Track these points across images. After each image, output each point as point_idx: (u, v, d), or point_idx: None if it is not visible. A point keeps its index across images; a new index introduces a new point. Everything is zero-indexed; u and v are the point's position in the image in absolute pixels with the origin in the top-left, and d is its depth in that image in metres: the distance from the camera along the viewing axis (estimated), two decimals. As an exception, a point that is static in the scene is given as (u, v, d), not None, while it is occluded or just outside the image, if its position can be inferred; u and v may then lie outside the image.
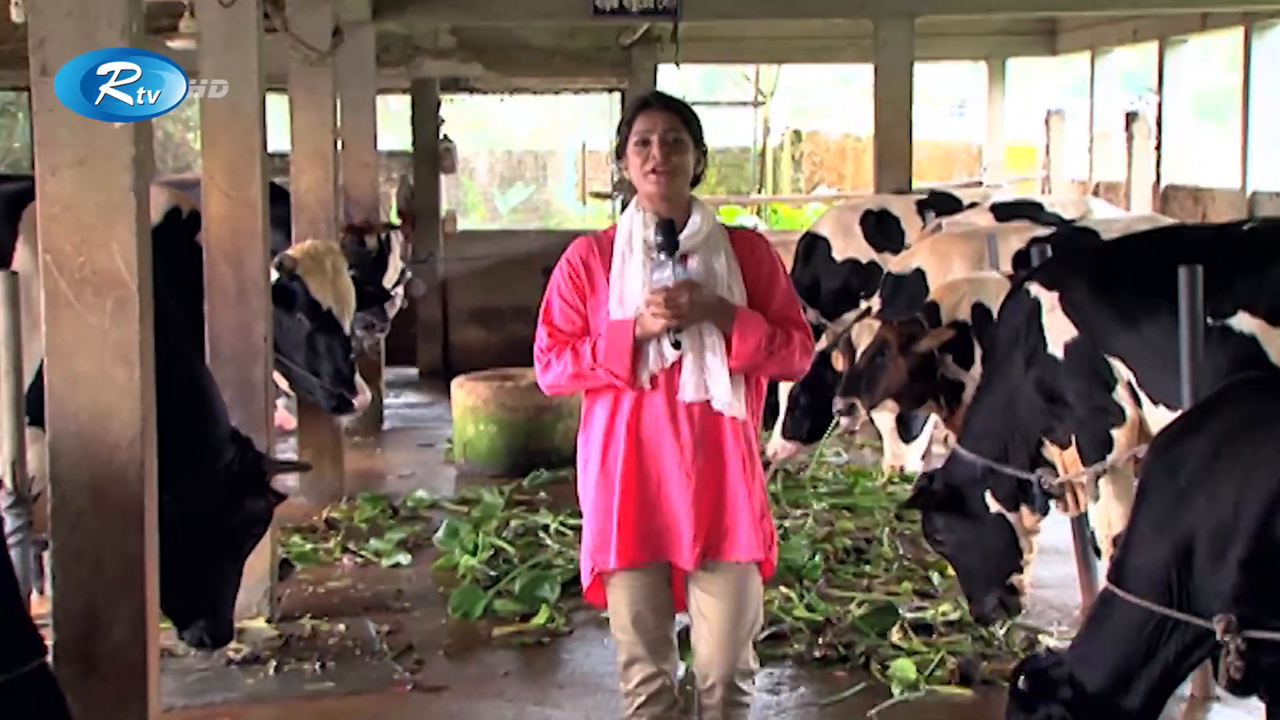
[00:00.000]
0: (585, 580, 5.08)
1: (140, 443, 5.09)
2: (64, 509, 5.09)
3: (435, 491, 10.65)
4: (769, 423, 9.61)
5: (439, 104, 17.33)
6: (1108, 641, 4.74)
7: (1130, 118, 14.38)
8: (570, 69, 17.23)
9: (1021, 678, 4.84)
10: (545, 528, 9.27)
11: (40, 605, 5.44)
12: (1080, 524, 7.51)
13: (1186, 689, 6.38)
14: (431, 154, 17.00)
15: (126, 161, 4.98)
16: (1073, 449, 6.84)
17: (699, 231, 4.88)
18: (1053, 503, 6.99)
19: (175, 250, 7.34)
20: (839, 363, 8.49)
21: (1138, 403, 6.61)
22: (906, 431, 10.41)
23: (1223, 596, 4.51)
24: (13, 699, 4.18)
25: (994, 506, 7.05)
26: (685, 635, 5.17)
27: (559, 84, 18.70)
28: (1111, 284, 6.75)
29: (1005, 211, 10.63)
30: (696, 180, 4.99)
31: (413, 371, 16.44)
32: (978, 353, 7.84)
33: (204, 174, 7.68)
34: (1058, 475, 6.90)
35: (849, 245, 11.33)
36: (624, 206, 5.07)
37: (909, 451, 10.54)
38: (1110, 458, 6.69)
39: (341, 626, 7.67)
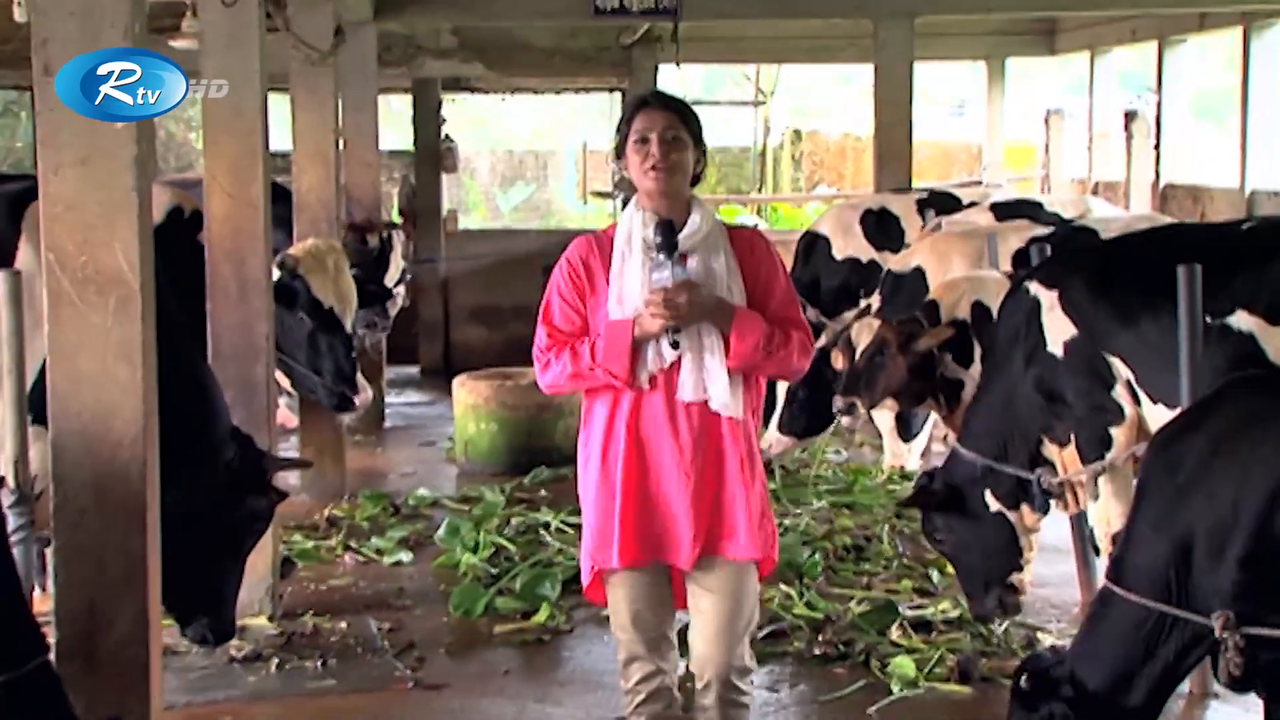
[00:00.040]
0: (585, 578, 5.08)
1: (142, 441, 5.10)
2: (66, 507, 5.11)
3: (436, 489, 10.66)
4: (766, 418, 9.62)
5: (440, 103, 17.33)
6: (1107, 640, 4.74)
7: (1129, 117, 14.39)
8: (571, 69, 17.24)
9: (1024, 677, 4.84)
10: (546, 526, 9.27)
11: (43, 602, 5.46)
12: (1079, 522, 7.53)
13: (1185, 686, 6.39)
14: (433, 153, 17.02)
15: (129, 161, 4.99)
16: (1072, 447, 6.86)
17: (698, 231, 4.88)
18: (1052, 501, 7.01)
19: (177, 249, 7.35)
20: (838, 361, 8.50)
21: (1137, 401, 6.62)
22: (906, 430, 10.42)
23: (1221, 594, 4.52)
24: (15, 697, 4.20)
25: (994, 505, 7.06)
26: (685, 633, 5.17)
27: (560, 84, 18.72)
28: (1111, 283, 6.76)
29: (1005, 211, 10.62)
30: (696, 179, 4.98)
31: (414, 370, 16.45)
32: (977, 351, 7.85)
33: (206, 173, 7.68)
34: (1057, 474, 6.92)
35: (849, 244, 11.33)
36: (625, 205, 5.07)
37: (908, 450, 10.56)
38: (1109, 456, 6.71)
39: (343, 624, 7.68)
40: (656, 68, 16.86)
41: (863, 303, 10.03)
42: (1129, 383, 6.63)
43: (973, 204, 11.31)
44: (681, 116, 4.89)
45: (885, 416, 10.09)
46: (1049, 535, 7.55)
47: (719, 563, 4.92)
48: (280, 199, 9.47)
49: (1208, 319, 6.18)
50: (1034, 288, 6.94)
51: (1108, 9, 14.55)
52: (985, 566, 7.15)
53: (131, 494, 5.11)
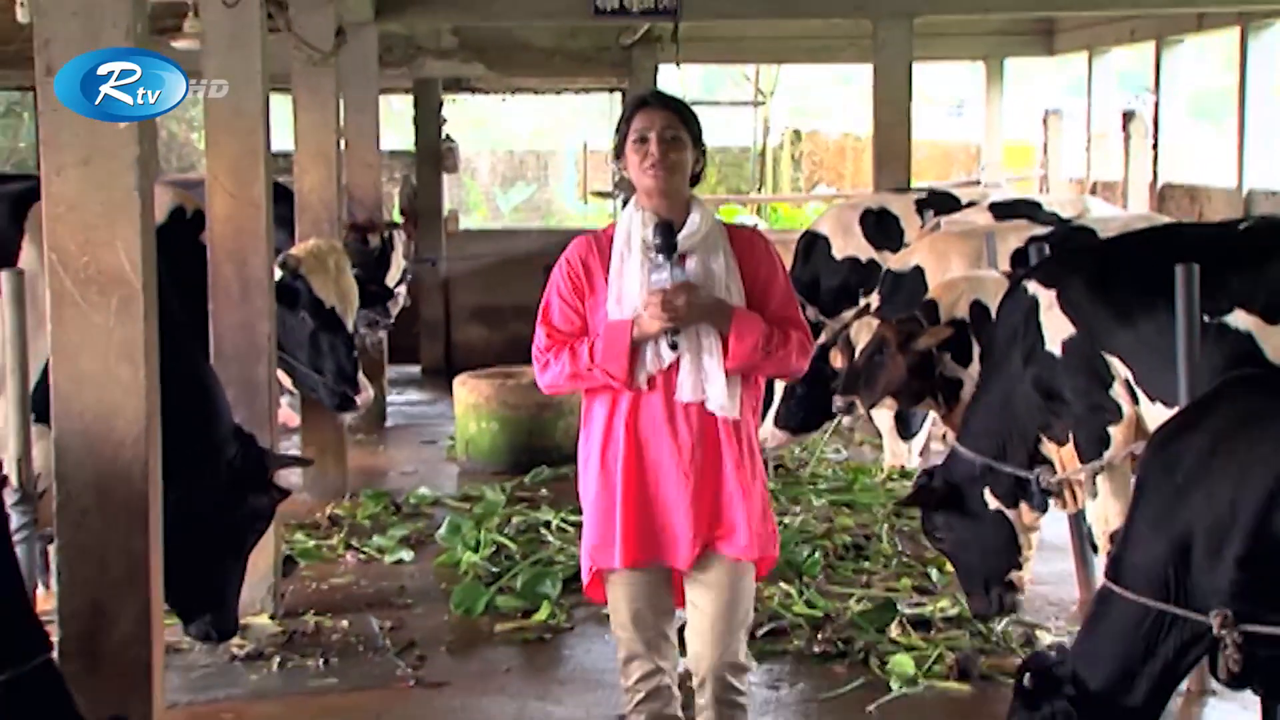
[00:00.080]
0: (585, 577, 5.09)
1: (145, 440, 5.12)
2: (69, 506, 5.13)
3: (438, 488, 10.68)
4: (763, 412, 9.64)
5: (441, 104, 17.35)
6: (1108, 639, 4.75)
7: (1127, 117, 14.41)
8: (571, 69, 17.26)
9: (1027, 675, 4.83)
10: (547, 524, 9.28)
11: (46, 601, 5.49)
12: (1078, 520, 7.55)
13: (1183, 683, 6.39)
14: (434, 154, 17.03)
15: (130, 161, 5.01)
16: (1070, 446, 6.87)
17: (697, 231, 4.87)
18: (1051, 500, 7.03)
19: (179, 249, 7.35)
20: (837, 360, 8.52)
21: (1135, 400, 6.64)
22: (905, 429, 10.44)
23: (1220, 592, 4.53)
24: (19, 694, 4.23)
25: (993, 503, 7.08)
26: (684, 632, 5.16)
27: (560, 84, 18.74)
28: (1109, 282, 6.77)
29: (1003, 210, 10.65)
30: (695, 179, 4.97)
31: (415, 369, 16.47)
32: (976, 350, 7.88)
33: (208, 173, 7.69)
34: (1056, 473, 6.94)
35: (849, 243, 11.34)
36: (625, 205, 5.07)
37: (908, 449, 10.58)
38: (1107, 455, 6.72)
39: (344, 623, 7.70)
40: (656, 68, 16.87)
41: (862, 302, 10.05)
42: (1127, 381, 6.64)
43: (971, 204, 11.33)
44: (681, 116, 4.88)
45: (885, 415, 10.11)
46: (1047, 533, 7.57)
47: (717, 560, 4.91)
48: (282, 199, 9.49)
49: (1205, 318, 6.20)
50: (1032, 287, 6.96)
51: (1106, 9, 14.57)
52: (984, 565, 7.17)
53: (134, 494, 5.13)
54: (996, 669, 6.85)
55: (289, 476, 8.03)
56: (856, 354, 8.20)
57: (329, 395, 8.91)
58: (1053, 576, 8.08)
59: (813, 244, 11.49)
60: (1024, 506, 7.04)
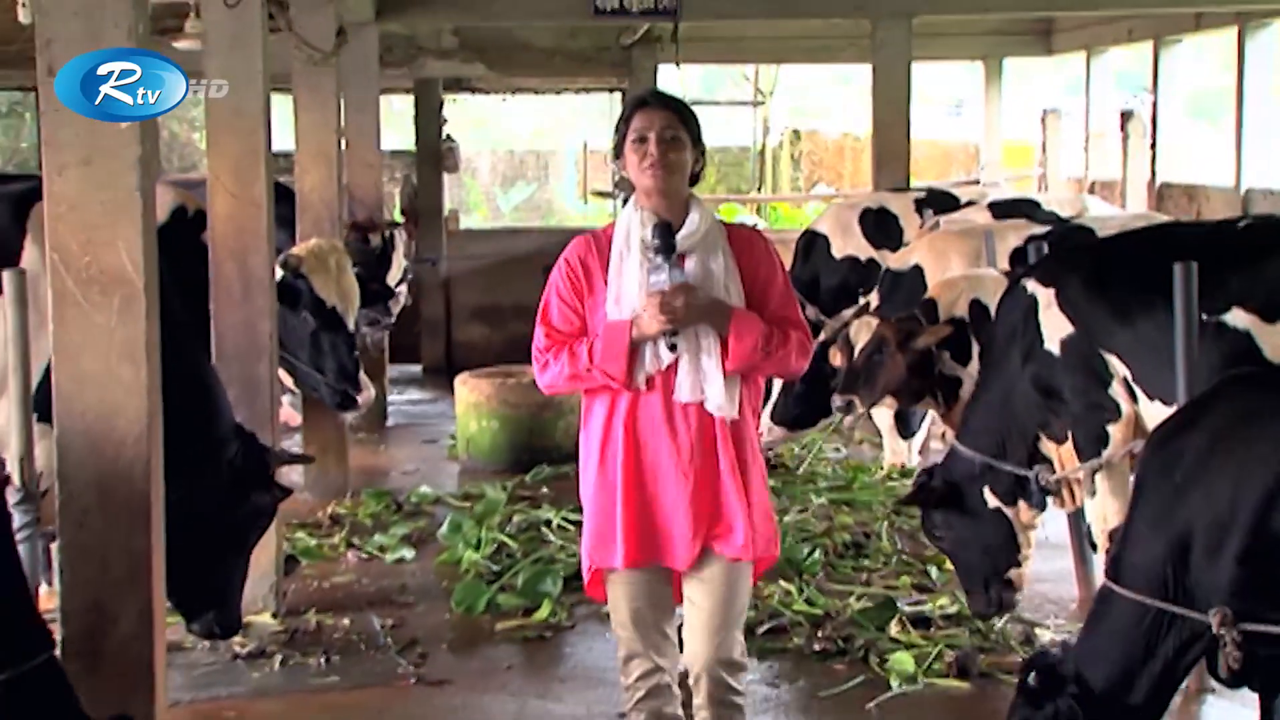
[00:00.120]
0: (585, 575, 5.09)
1: (146, 440, 5.12)
2: (71, 506, 5.13)
3: (439, 487, 10.70)
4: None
5: (442, 104, 17.37)
6: (1108, 638, 4.75)
7: (1125, 116, 14.43)
8: (571, 69, 17.28)
9: (1032, 674, 4.82)
10: (547, 523, 9.29)
11: (48, 599, 5.50)
12: (1077, 518, 7.57)
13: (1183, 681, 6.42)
14: (434, 153, 17.05)
15: (132, 161, 5.02)
16: (1069, 444, 6.89)
17: (696, 231, 4.86)
18: (1049, 498, 7.05)
19: (181, 249, 7.37)
20: (836, 358, 8.53)
21: (1133, 398, 6.65)
22: (905, 428, 10.45)
23: (1219, 591, 4.52)
24: (21, 692, 4.24)
25: (992, 502, 7.09)
26: (683, 629, 5.19)
27: (560, 84, 18.78)
28: (1107, 281, 6.78)
29: (1002, 209, 10.67)
30: (695, 179, 4.96)
31: (416, 368, 16.49)
32: (975, 349, 7.90)
33: (209, 173, 7.70)
34: (1055, 471, 6.95)
35: (848, 243, 11.35)
36: (625, 204, 5.07)
37: (907, 447, 10.60)
38: (1106, 453, 6.73)
39: (346, 621, 7.72)
40: (656, 68, 16.89)
41: (861, 301, 10.07)
42: (1126, 380, 6.66)
43: (970, 203, 11.34)
44: (680, 116, 4.88)
45: (884, 414, 10.12)
46: (1046, 531, 7.58)
47: (714, 559, 4.90)
48: (283, 199, 9.49)
49: (1204, 316, 6.20)
50: (1031, 286, 6.97)
51: (1104, 9, 14.59)
52: (984, 563, 7.18)
53: (135, 493, 5.14)
54: (996, 667, 6.87)
55: (290, 475, 8.04)
56: (856, 353, 8.21)
57: (330, 394, 8.93)
58: (1052, 574, 8.10)
59: (812, 243, 11.50)
60: (1022, 504, 7.05)
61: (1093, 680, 4.73)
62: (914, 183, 13.64)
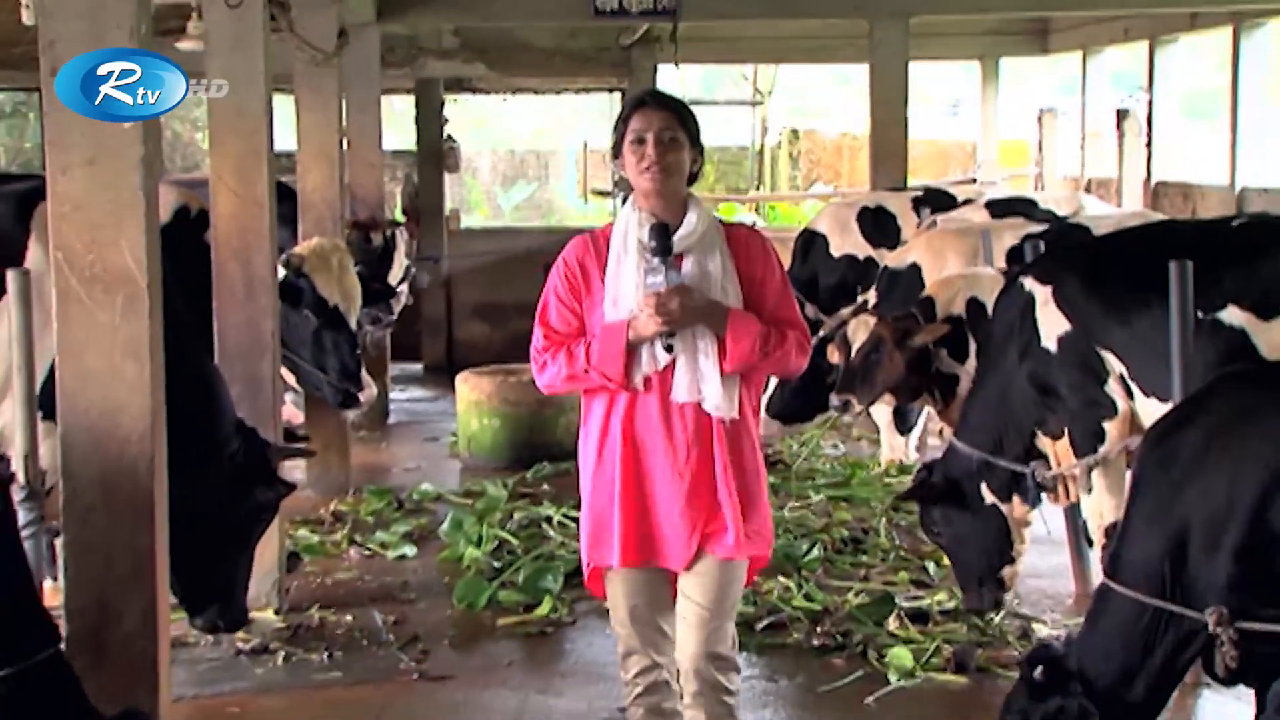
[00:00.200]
0: (585, 572, 5.09)
1: (150, 438, 5.15)
2: (75, 503, 5.16)
3: (440, 484, 10.71)
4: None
5: (443, 104, 17.39)
6: (1107, 635, 4.77)
7: (1121, 116, 14.45)
8: (571, 69, 17.31)
9: (1039, 668, 4.81)
10: (548, 519, 9.31)
11: (53, 595, 5.53)
12: (1073, 514, 7.60)
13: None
14: (435, 153, 17.08)
15: (135, 161, 5.05)
16: (1065, 441, 6.92)
17: (694, 231, 4.84)
18: (1044, 493, 7.09)
19: (184, 248, 7.40)
20: (834, 356, 8.56)
21: (1130, 395, 6.68)
22: (903, 424, 10.48)
23: (1216, 588, 4.54)
24: (28, 686, 4.28)
25: (989, 498, 7.13)
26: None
27: (560, 84, 18.81)
28: (1103, 279, 6.81)
29: (999, 208, 10.71)
30: (693, 179, 4.95)
31: (418, 366, 16.53)
32: (972, 347, 7.93)
33: (212, 173, 7.71)
34: (1051, 467, 6.98)
35: (846, 241, 11.37)
36: (625, 203, 5.08)
37: (905, 444, 10.63)
38: (1102, 450, 6.77)
39: (348, 617, 7.75)
40: (655, 68, 16.92)
41: (860, 299, 10.10)
42: (1122, 377, 6.69)
43: (968, 201, 11.37)
44: (679, 117, 4.85)
45: (883, 411, 10.15)
46: (1043, 528, 7.61)
47: (707, 557, 4.88)
48: (285, 198, 9.52)
49: (1199, 314, 6.22)
50: (1028, 283, 7.00)
51: (1100, 9, 14.63)
52: (980, 559, 7.22)
53: (139, 490, 5.16)
54: (993, 662, 6.89)
55: (292, 472, 8.08)
56: (853, 351, 8.23)
57: (332, 392, 8.94)
58: (1049, 570, 8.14)
59: (811, 242, 11.52)
60: (1016, 500, 7.09)
61: (1092, 676, 4.74)
62: (911, 182, 13.69)
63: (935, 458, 7.58)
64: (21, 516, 5.15)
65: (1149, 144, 14.41)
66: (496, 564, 8.49)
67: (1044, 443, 7.02)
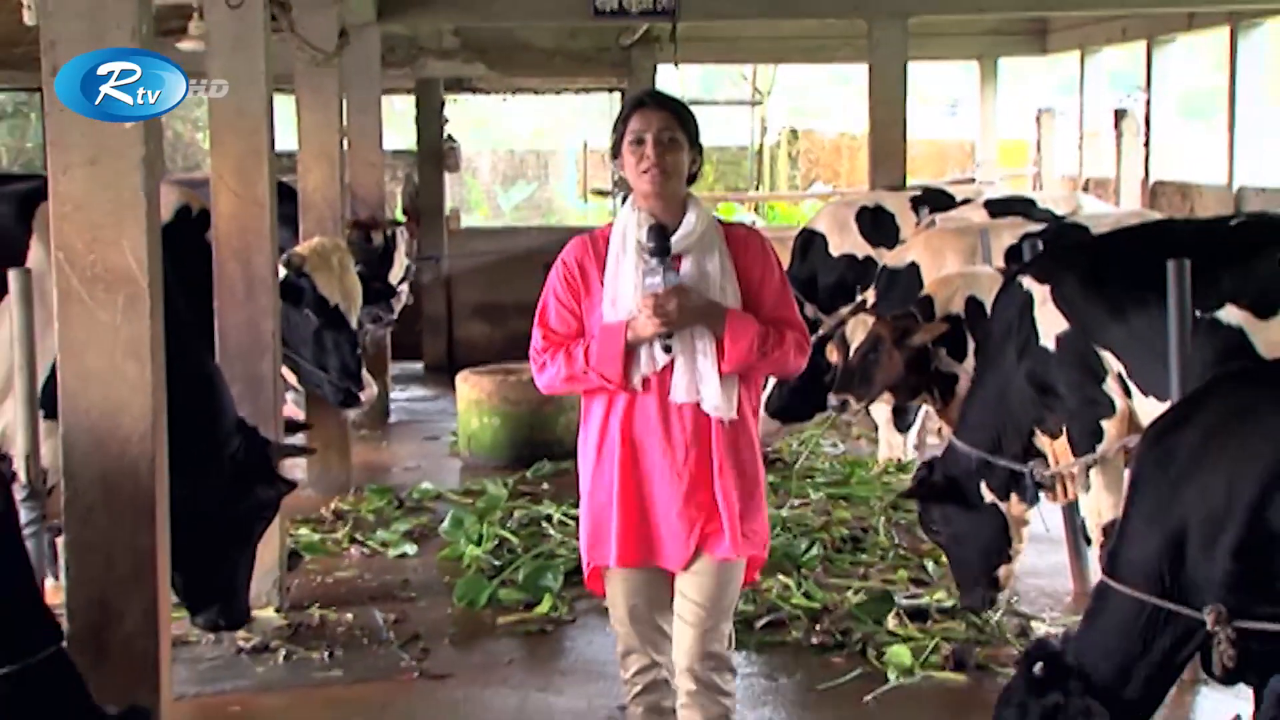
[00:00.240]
0: (585, 570, 5.10)
1: (151, 437, 5.14)
2: (76, 503, 5.16)
3: (440, 483, 10.74)
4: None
5: (443, 104, 17.41)
6: (1105, 633, 4.76)
7: (1119, 115, 14.45)
8: (571, 69, 17.33)
9: (1039, 663, 4.78)
10: (548, 518, 9.33)
11: (55, 593, 5.54)
12: (1071, 512, 7.62)
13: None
14: (436, 153, 17.09)
15: (136, 161, 5.05)
16: (1064, 439, 6.93)
17: (693, 232, 4.84)
18: (1042, 492, 7.10)
19: (185, 248, 7.39)
20: (832, 355, 8.57)
21: (1128, 394, 6.69)
22: (902, 422, 10.49)
23: (1214, 587, 4.53)
24: (32, 683, 4.29)
25: (988, 497, 7.14)
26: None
27: (560, 84, 18.83)
28: (1102, 278, 6.82)
29: (998, 207, 10.73)
30: (692, 179, 4.94)
31: (418, 366, 16.54)
32: (971, 346, 7.94)
33: (213, 173, 7.72)
34: (1049, 466, 6.99)
35: (845, 241, 11.38)
36: (624, 203, 5.09)
37: (903, 442, 10.64)
38: (1100, 448, 6.77)
39: (349, 616, 7.77)
40: (655, 68, 16.94)
41: (859, 298, 10.11)
42: (1120, 376, 6.70)
43: (966, 201, 11.39)
44: (678, 117, 4.85)
45: (882, 410, 10.16)
46: (1042, 526, 7.63)
47: (704, 557, 4.88)
48: (286, 198, 9.53)
49: (1197, 313, 6.22)
50: (1027, 282, 7.01)
51: (1098, 9, 14.64)
52: (978, 557, 7.23)
53: (140, 490, 5.16)
54: (992, 659, 6.91)
55: (293, 471, 8.09)
56: (852, 351, 8.24)
57: (333, 392, 8.95)
58: (1048, 568, 8.16)
59: (810, 241, 11.53)
60: (1014, 498, 7.10)
61: (1090, 673, 4.73)
62: (910, 181, 13.69)
63: (935, 456, 7.58)
64: (23, 515, 5.16)
65: (1147, 143, 14.43)
66: (497, 562, 8.50)
67: (1042, 441, 7.03)
